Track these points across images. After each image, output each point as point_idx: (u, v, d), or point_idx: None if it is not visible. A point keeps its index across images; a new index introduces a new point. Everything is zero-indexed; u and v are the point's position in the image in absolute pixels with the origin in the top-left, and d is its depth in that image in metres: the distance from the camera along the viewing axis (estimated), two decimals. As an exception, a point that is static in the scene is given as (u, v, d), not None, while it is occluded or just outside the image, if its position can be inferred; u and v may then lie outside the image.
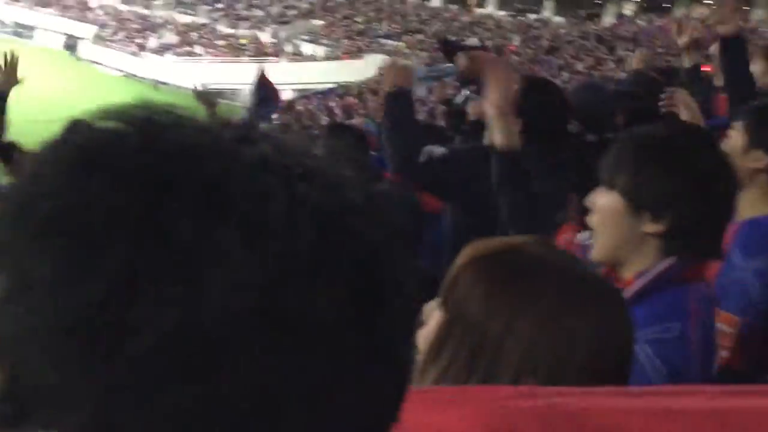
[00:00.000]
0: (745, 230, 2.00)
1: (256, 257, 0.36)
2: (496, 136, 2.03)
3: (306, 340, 0.37)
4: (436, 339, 0.97)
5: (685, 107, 2.77)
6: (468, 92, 3.61)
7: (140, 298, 0.35)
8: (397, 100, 2.78)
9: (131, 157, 0.38)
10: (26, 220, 0.38)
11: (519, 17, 36.75)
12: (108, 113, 0.41)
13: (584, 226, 1.75)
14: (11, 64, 3.63)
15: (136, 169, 0.37)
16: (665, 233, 1.42)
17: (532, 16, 36.44)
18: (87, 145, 0.39)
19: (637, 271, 1.44)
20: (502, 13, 37.74)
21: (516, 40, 32.30)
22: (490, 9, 38.70)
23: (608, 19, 33.07)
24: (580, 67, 23.68)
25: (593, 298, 0.96)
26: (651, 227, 1.43)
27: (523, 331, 0.92)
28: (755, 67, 3.26)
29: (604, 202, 1.48)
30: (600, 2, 34.39)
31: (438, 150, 2.72)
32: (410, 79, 2.86)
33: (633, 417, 0.71)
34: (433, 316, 0.99)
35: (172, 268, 0.35)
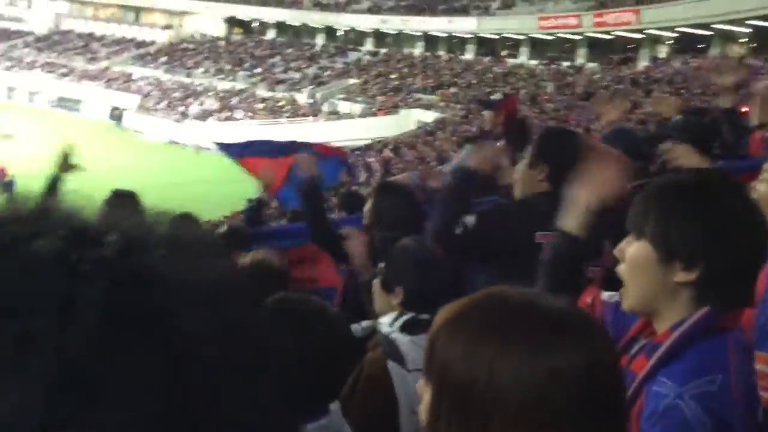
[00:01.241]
0: None
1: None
2: (571, 222, 1.98)
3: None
4: (429, 415, 0.96)
5: (686, 161, 2.77)
6: (469, 146, 3.62)
7: None
8: (466, 179, 2.83)
9: None
10: None
11: (552, 65, 36.97)
12: None
13: (609, 285, 1.72)
14: (67, 153, 3.75)
15: None
16: (698, 282, 1.38)
17: (565, 64, 36.62)
18: None
19: (672, 322, 1.40)
20: (534, 62, 38.03)
21: (550, 88, 32.43)
22: (522, 59, 39.04)
23: (642, 63, 33.04)
24: (616, 111, 23.59)
25: (573, 331, 0.95)
26: (683, 276, 1.39)
27: (507, 374, 0.90)
28: None
29: (633, 251, 1.44)
30: (633, 46, 34.43)
31: (470, 219, 2.72)
32: (491, 164, 2.88)
33: None
34: (424, 390, 0.98)
35: None
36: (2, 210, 0.42)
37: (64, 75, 48.20)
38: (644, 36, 33.25)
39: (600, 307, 1.78)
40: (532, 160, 2.70)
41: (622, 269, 1.48)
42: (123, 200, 3.44)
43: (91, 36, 53.28)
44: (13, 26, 55.34)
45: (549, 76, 35.16)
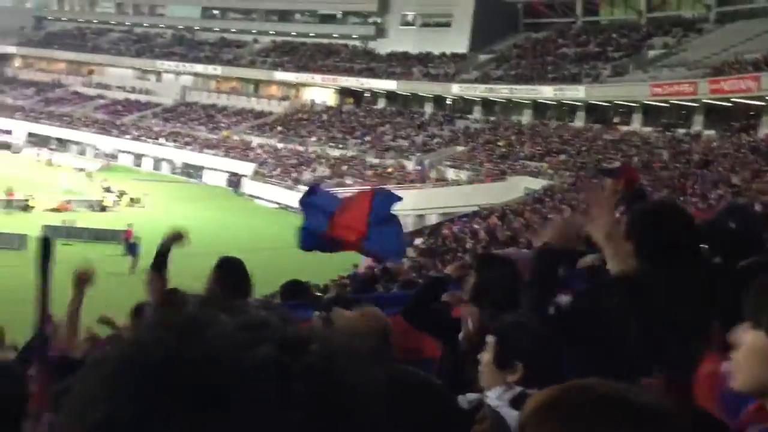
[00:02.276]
0: None
1: None
2: (610, 262, 1.98)
3: None
4: None
5: None
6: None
7: None
8: (541, 257, 2.83)
9: (154, 369, 0.47)
10: (74, 428, 0.48)
11: (667, 132, 35.98)
12: (153, 321, 0.53)
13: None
14: (179, 231, 3.98)
15: (157, 380, 0.46)
16: None
17: (681, 131, 35.55)
18: (122, 358, 0.49)
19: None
20: (648, 129, 37.15)
21: (664, 155, 31.48)
22: (635, 126, 38.25)
23: (764, 130, 31.59)
24: (736, 180, 22.59)
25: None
26: None
27: None
28: None
29: (750, 340, 1.44)
30: (754, 113, 33.04)
31: (565, 299, 2.67)
32: (570, 238, 2.87)
33: None
34: None
35: None
36: (231, 319, 0.51)
37: (188, 144, 51.26)
38: (766, 103, 31.86)
39: (719, 379, 1.72)
40: (626, 232, 2.60)
41: (737, 355, 1.48)
42: (230, 266, 3.63)
43: (213, 107, 56.64)
44: (143, 98, 59.70)
45: (663, 143, 34.20)
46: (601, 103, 39.85)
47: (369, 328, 3.31)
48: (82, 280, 3.44)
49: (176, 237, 3.76)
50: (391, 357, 2.68)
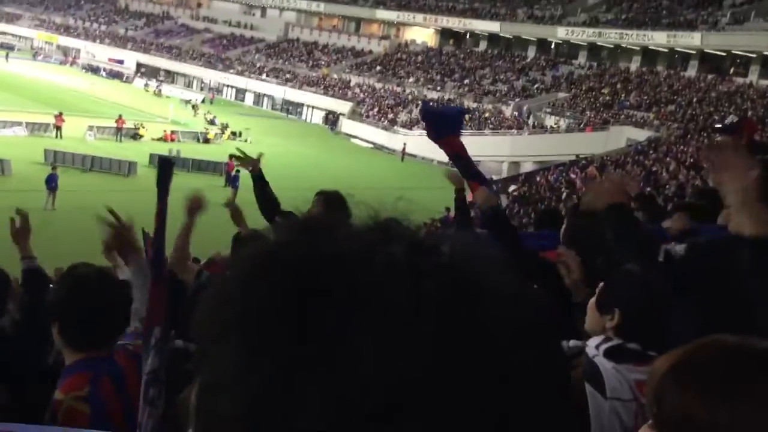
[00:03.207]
0: None
1: (384, 354, 0.45)
2: (745, 224, 1.90)
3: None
4: None
5: None
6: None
7: (297, 385, 0.45)
8: (616, 212, 2.81)
9: (289, 268, 0.48)
10: (211, 325, 0.50)
11: (787, 85, 33.71)
12: (284, 225, 0.54)
13: None
14: (251, 158, 4.09)
15: (292, 278, 0.48)
16: None
17: (804, 84, 33.25)
18: (257, 258, 0.50)
19: None
20: (766, 82, 34.87)
21: (783, 111, 29.58)
22: (752, 77, 35.97)
23: None
24: None
25: None
26: None
27: (748, 424, 0.90)
28: None
29: None
30: None
31: (679, 247, 2.59)
32: (623, 196, 2.86)
33: None
34: None
35: (317, 361, 0.45)
36: (356, 222, 0.52)
37: (288, 80, 51.99)
38: None
39: None
40: (762, 194, 2.44)
41: None
42: (329, 201, 3.64)
43: (314, 45, 56.98)
44: (248, 33, 60.67)
45: (783, 97, 32.09)
46: (716, 52, 37.58)
47: None
48: (194, 207, 3.53)
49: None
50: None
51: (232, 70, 55.07)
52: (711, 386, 0.94)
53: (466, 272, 0.49)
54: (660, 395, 0.98)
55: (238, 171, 22.60)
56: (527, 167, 33.83)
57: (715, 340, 1.00)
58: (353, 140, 42.80)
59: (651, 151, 28.87)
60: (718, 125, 23.92)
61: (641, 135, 32.42)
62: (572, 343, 2.38)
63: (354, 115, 45.57)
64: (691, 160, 24.63)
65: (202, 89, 54.30)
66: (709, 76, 37.61)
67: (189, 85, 55.91)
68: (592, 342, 2.27)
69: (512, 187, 28.40)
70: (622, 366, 2.12)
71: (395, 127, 42.33)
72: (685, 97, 35.79)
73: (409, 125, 41.39)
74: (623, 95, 38.48)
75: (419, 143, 34.72)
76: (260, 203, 4.16)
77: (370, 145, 41.05)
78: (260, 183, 4.17)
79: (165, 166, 2.44)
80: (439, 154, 7.14)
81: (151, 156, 26.55)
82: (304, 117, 49.06)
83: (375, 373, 0.44)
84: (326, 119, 47.17)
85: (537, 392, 0.47)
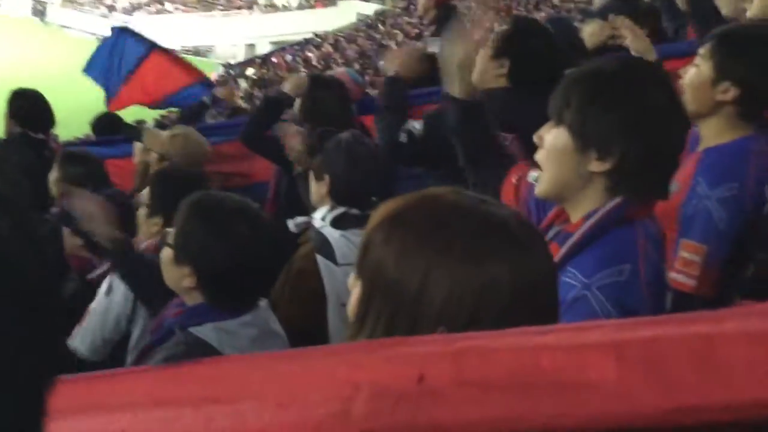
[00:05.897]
0: (709, 159, 1.96)
1: None
2: (455, 86, 1.98)
3: None
4: (358, 310, 0.95)
5: (631, 34, 2.69)
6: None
7: None
8: (394, 85, 2.86)
9: None
10: None
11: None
12: None
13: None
14: None
15: None
16: (611, 172, 1.37)
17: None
18: None
19: (585, 211, 1.40)
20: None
21: (492, -22, 31.71)
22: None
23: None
24: (556, 0, 23.35)
25: (512, 240, 0.91)
26: (597, 166, 1.37)
27: (441, 281, 0.88)
28: None
29: (551, 138, 1.41)
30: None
31: (417, 124, 2.70)
32: (414, 68, 2.95)
33: (543, 353, 0.70)
34: (354, 285, 0.97)
35: None
36: None
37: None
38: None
39: (525, 187, 1.79)
40: (495, 51, 2.35)
41: (540, 155, 1.45)
42: (26, 98, 3.46)
43: None
44: None
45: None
46: None
47: (182, 149, 3.24)
48: None
49: None
50: (206, 180, 2.62)
51: None
52: (410, 244, 0.92)
53: None
54: (367, 244, 0.96)
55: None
56: (263, 49, 33.20)
57: (432, 195, 0.97)
58: (69, 31, 38.68)
59: (380, 25, 29.68)
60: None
61: (369, 9, 33.09)
62: (299, 219, 2.41)
63: (67, 3, 40.94)
64: (416, 31, 25.75)
65: None
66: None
67: None
68: (318, 214, 2.31)
69: (250, 71, 27.82)
70: (348, 232, 2.18)
71: (115, 14, 38.85)
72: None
73: (131, 11, 38.22)
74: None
75: (143, 30, 32.21)
76: None
77: (92, 36, 37.43)
78: None
79: None
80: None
81: None
82: (6, 10, 43.09)
83: None
84: (34, 9, 41.86)
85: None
